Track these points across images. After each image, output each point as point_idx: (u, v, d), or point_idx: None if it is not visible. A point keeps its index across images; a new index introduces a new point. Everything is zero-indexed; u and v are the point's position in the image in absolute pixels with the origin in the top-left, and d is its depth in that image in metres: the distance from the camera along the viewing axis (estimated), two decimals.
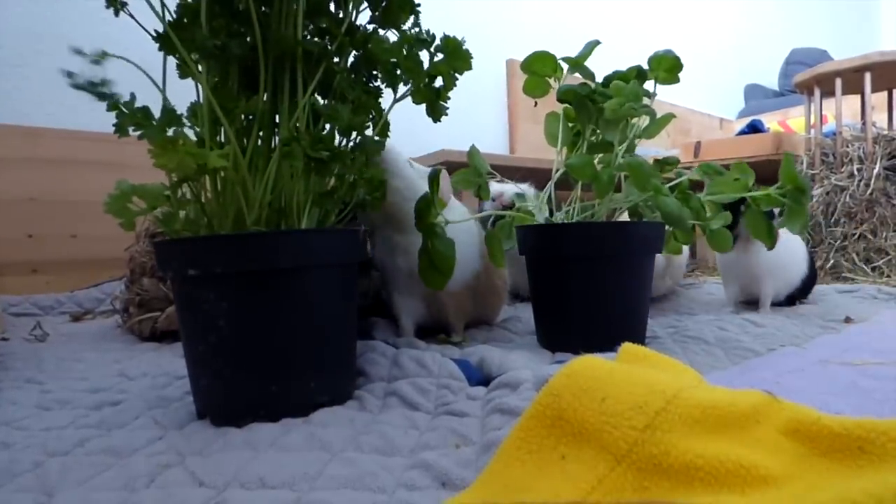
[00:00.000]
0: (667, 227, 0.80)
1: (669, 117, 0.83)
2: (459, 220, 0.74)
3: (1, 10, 1.38)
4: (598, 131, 0.79)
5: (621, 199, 0.80)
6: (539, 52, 0.83)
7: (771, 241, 0.89)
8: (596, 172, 0.74)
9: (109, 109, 0.50)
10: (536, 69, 0.84)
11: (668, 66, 0.81)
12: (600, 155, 0.79)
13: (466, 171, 0.84)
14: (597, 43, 0.83)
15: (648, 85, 0.84)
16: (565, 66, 0.83)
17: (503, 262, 0.81)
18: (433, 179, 0.67)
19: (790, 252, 1.12)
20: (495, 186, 1.21)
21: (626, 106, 0.72)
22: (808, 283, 1.17)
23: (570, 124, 0.85)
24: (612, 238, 0.74)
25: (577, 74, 0.84)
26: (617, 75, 0.80)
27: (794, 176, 0.82)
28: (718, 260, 1.15)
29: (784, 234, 1.06)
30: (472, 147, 0.84)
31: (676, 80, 0.82)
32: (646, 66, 0.82)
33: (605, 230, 0.75)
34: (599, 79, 0.82)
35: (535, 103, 0.93)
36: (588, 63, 0.83)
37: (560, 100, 0.81)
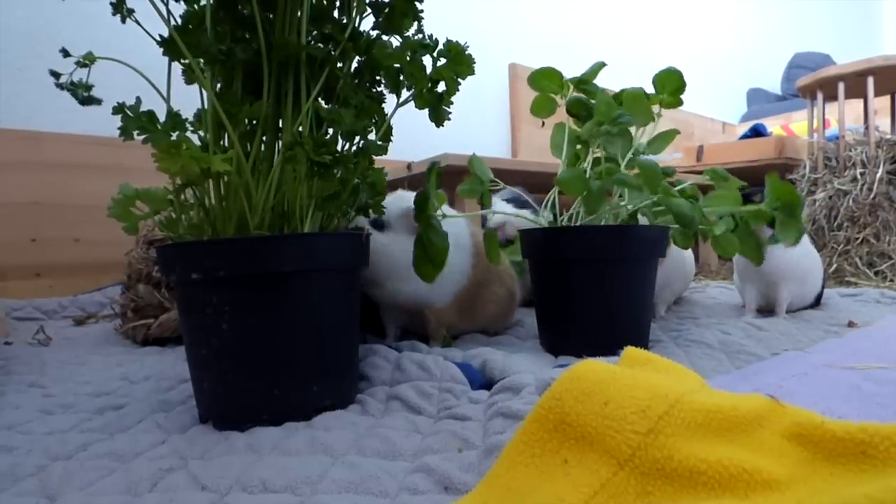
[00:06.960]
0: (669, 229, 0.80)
1: (674, 133, 0.84)
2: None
3: (3, 14, 1.39)
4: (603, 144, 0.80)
5: (626, 205, 0.79)
6: (545, 69, 0.83)
7: (759, 256, 0.89)
8: (587, 186, 0.72)
9: (115, 113, 0.51)
10: (543, 86, 0.84)
11: (672, 88, 0.81)
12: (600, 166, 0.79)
13: (471, 180, 0.83)
14: (602, 64, 0.83)
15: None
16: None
17: (499, 259, 0.81)
18: (431, 172, 0.68)
19: (809, 259, 1.06)
20: (497, 217, 1.18)
21: (602, 128, 0.73)
22: (818, 298, 1.15)
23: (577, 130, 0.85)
24: (615, 241, 0.74)
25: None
26: (624, 94, 0.80)
27: (784, 190, 0.81)
28: (736, 262, 1.08)
29: (806, 247, 1.04)
30: (473, 156, 0.84)
31: (680, 103, 0.83)
32: (651, 83, 0.83)
33: (608, 233, 0.75)
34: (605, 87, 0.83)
35: (542, 124, 0.92)
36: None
37: (570, 112, 0.81)
